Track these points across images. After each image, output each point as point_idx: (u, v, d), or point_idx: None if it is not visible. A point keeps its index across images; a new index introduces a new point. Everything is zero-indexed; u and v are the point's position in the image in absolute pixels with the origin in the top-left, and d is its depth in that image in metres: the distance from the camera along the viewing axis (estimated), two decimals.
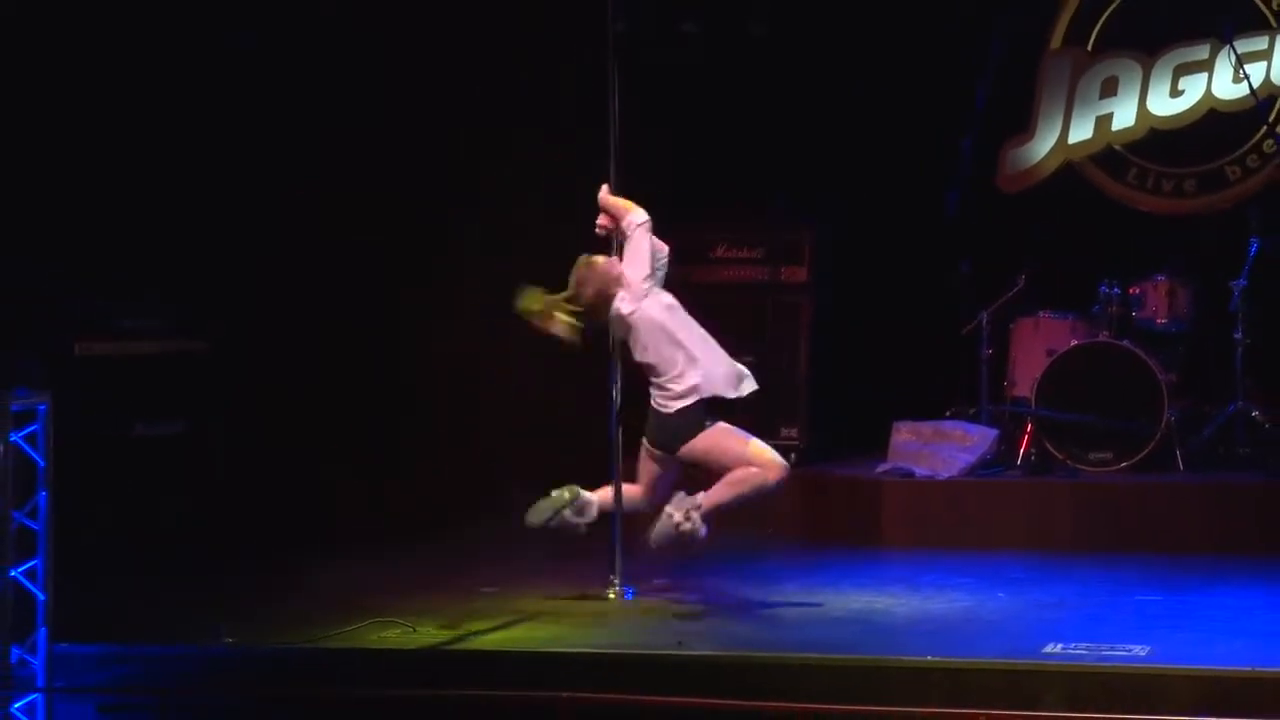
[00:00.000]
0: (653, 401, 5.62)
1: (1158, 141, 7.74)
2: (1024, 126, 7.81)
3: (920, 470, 6.94)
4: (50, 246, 6.90)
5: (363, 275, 7.49)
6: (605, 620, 5.50)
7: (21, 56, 6.85)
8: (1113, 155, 7.80)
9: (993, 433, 7.06)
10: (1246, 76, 7.34)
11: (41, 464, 4.98)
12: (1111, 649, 4.86)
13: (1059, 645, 4.92)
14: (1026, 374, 7.15)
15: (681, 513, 5.43)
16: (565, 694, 4.41)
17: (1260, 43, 7.56)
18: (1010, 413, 7.24)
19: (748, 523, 6.92)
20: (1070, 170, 7.83)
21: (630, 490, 5.75)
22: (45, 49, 6.99)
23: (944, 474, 6.91)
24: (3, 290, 6.24)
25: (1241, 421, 7.01)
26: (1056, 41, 7.84)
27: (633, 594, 5.75)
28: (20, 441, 4.95)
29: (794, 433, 7.30)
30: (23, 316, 5.34)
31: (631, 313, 5.62)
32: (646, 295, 5.62)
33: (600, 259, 5.72)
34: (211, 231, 7.37)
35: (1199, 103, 7.67)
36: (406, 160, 7.43)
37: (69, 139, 7.03)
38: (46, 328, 6.42)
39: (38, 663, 4.97)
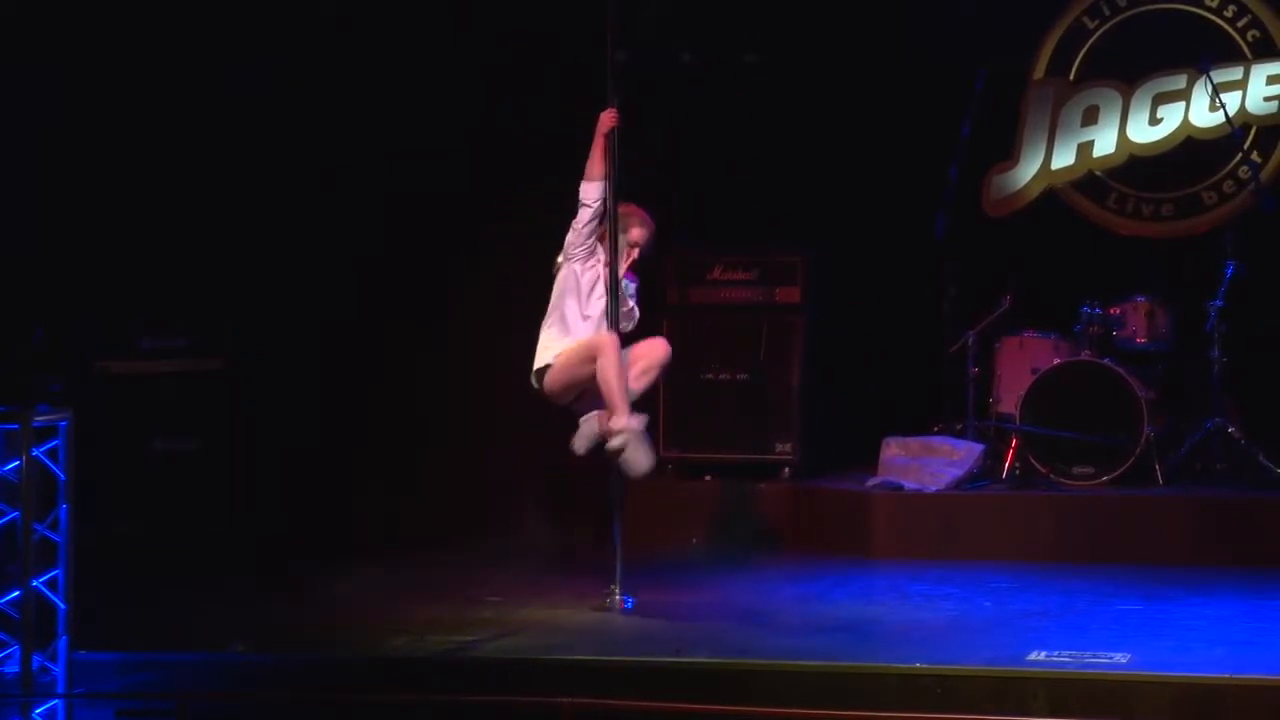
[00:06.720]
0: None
1: (1137, 168, 7.84)
2: (1009, 154, 7.91)
3: (909, 484, 7.04)
4: (72, 271, 7.01)
5: (377, 295, 7.55)
6: (605, 628, 5.59)
7: (44, 74, 6.92)
8: (1094, 181, 7.91)
9: (979, 448, 7.16)
10: (1223, 105, 7.47)
11: (62, 478, 5.09)
12: (1093, 656, 4.93)
13: (1043, 653, 5.00)
14: (1011, 391, 7.25)
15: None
16: (566, 700, 4.46)
17: (1235, 73, 7.69)
18: (996, 428, 7.33)
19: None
20: (1053, 195, 7.93)
21: None
22: (73, 68, 7.05)
23: (932, 488, 7.00)
24: (27, 313, 6.39)
25: (1218, 437, 7.10)
26: (1039, 72, 7.94)
27: (631, 603, 5.84)
28: (42, 457, 5.07)
29: (787, 448, 7.39)
30: (47, 338, 5.47)
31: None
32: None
33: None
34: (229, 250, 7.43)
35: (1177, 130, 7.79)
36: (423, 181, 7.46)
37: (90, 165, 7.13)
38: (68, 349, 6.57)
39: (58, 670, 5.08)
